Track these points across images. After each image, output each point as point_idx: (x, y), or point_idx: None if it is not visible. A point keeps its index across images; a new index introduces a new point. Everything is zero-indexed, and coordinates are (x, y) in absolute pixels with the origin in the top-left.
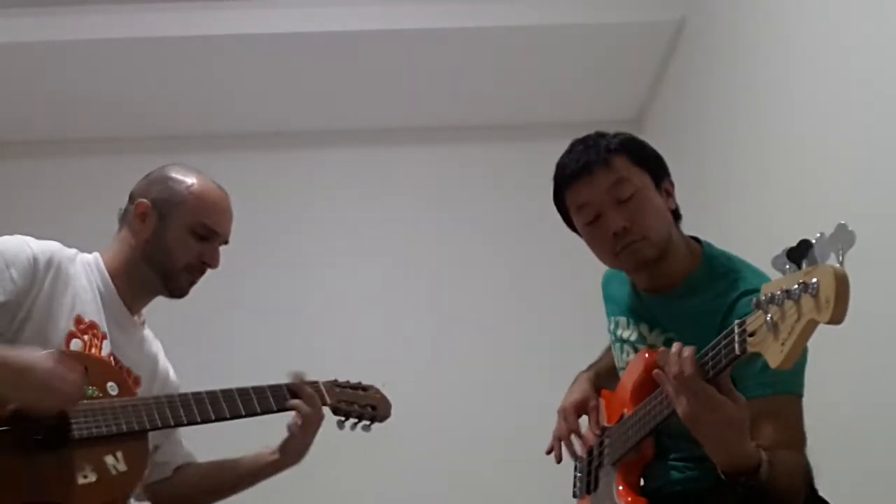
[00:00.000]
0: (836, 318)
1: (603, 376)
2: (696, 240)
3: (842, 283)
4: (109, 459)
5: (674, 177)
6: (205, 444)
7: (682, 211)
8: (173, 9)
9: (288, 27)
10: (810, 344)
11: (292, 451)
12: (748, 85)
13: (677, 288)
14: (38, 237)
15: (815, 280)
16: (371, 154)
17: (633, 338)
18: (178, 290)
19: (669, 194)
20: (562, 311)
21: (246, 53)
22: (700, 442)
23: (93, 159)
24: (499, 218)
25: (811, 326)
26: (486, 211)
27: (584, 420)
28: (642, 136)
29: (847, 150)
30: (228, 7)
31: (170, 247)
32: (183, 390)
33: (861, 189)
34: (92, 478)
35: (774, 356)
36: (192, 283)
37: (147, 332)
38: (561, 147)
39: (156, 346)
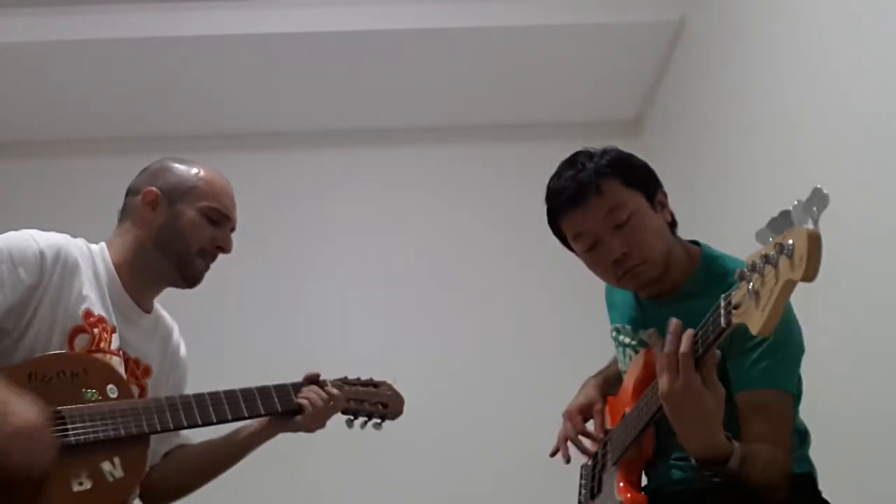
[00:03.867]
0: (809, 274)
1: (611, 382)
2: (695, 242)
3: (814, 241)
4: (106, 466)
5: (672, 177)
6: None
7: (680, 211)
8: (173, 9)
9: (288, 27)
10: (809, 345)
11: (291, 427)
12: (748, 85)
13: (676, 292)
14: None
15: (790, 241)
16: (371, 154)
17: (634, 343)
18: (193, 276)
19: (664, 206)
20: (563, 311)
21: (246, 53)
22: (672, 426)
23: (92, 159)
24: (499, 218)
25: (788, 287)
26: (486, 211)
27: (590, 425)
28: (641, 137)
29: (846, 150)
30: (228, 7)
31: (184, 232)
32: (186, 388)
33: (859, 188)
34: (87, 485)
35: (756, 323)
36: (206, 268)
37: (157, 316)
38: (561, 147)
39: (167, 328)
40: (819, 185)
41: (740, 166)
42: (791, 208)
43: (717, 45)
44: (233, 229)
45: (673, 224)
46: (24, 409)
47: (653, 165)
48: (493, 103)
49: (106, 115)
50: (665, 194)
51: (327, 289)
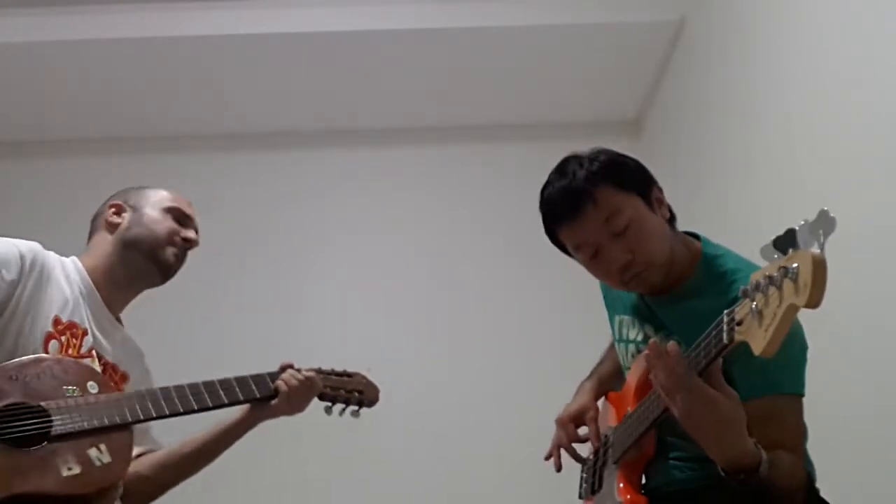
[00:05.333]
0: (813, 301)
1: (606, 380)
2: (693, 235)
3: (819, 267)
4: (93, 452)
5: (672, 177)
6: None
7: (681, 210)
8: (173, 9)
9: (288, 27)
10: (811, 343)
11: (271, 413)
12: (747, 85)
13: (678, 290)
14: (38, 237)
15: (794, 265)
16: (371, 154)
17: (639, 338)
18: (166, 264)
19: (661, 202)
20: (562, 311)
21: (246, 53)
22: (697, 441)
23: (93, 159)
24: (499, 218)
25: (791, 311)
26: (486, 211)
27: (583, 430)
28: (642, 137)
29: (846, 149)
30: (228, 7)
31: (149, 225)
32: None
33: (859, 188)
34: (76, 469)
35: (758, 343)
36: (178, 257)
37: (128, 336)
38: (561, 147)
39: (139, 350)
40: (826, 208)
41: (740, 166)
42: (797, 228)
43: (717, 45)
44: (196, 240)
45: (672, 219)
46: None
47: (653, 165)
48: (493, 103)
49: (106, 115)
50: (661, 190)
51: (327, 289)
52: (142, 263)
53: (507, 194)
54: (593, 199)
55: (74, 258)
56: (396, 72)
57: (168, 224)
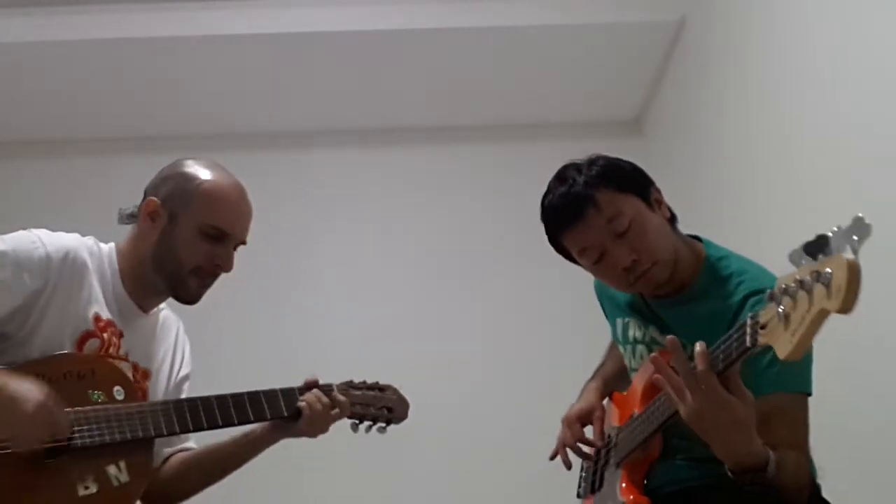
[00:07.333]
0: (846, 306)
1: (610, 381)
2: (696, 237)
3: (854, 273)
4: (112, 470)
5: (672, 177)
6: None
7: (680, 210)
8: (172, 9)
9: (288, 27)
10: (816, 342)
11: (293, 433)
12: (747, 85)
13: (683, 293)
14: None
15: (828, 270)
16: (371, 154)
17: (646, 339)
18: (187, 297)
19: (660, 202)
20: (563, 312)
21: (246, 54)
22: (706, 441)
23: (93, 159)
24: (499, 219)
25: (822, 316)
26: (486, 211)
27: (589, 429)
28: (642, 137)
29: (845, 150)
30: (228, 7)
31: (178, 250)
32: (187, 386)
33: (858, 187)
34: (93, 489)
35: (784, 347)
36: (203, 287)
37: (158, 315)
38: (561, 147)
39: (169, 326)
40: (861, 215)
41: (739, 166)
42: (830, 234)
43: (717, 45)
44: (242, 243)
45: (673, 219)
46: (26, 390)
47: (653, 165)
48: (493, 103)
49: (106, 115)
50: (659, 191)
51: (325, 289)
52: (164, 287)
53: (506, 194)
54: (594, 203)
55: (112, 247)
56: (396, 72)
57: (198, 251)
